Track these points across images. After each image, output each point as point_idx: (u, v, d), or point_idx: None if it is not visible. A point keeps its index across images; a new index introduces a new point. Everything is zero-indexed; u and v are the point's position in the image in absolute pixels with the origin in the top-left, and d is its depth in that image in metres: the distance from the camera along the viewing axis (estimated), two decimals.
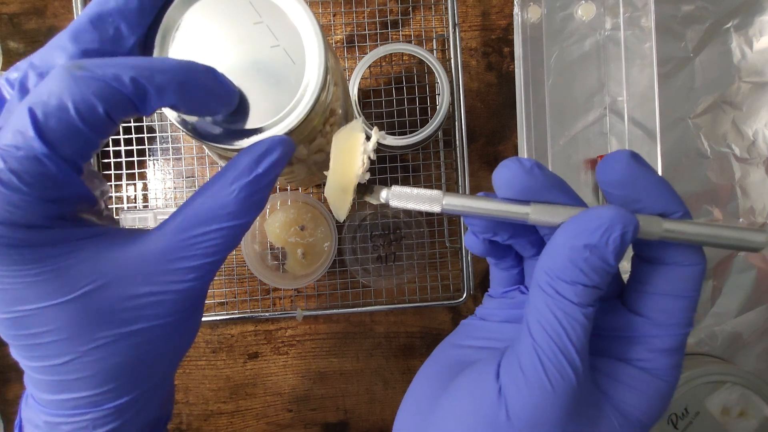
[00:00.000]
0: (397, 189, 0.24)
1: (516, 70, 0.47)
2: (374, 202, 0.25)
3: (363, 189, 0.25)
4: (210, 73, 0.23)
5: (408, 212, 0.46)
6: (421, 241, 0.46)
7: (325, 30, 0.46)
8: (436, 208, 0.23)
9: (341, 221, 0.28)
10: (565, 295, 0.20)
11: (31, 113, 0.19)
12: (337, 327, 0.47)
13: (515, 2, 0.47)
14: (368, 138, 0.25)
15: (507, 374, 0.21)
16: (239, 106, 0.25)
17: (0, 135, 0.20)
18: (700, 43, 0.47)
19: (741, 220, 0.47)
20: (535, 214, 0.22)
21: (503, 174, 0.22)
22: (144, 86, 0.21)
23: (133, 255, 0.22)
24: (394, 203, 0.24)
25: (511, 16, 0.47)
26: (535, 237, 0.25)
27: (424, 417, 0.24)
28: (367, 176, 0.25)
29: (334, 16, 0.46)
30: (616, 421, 0.21)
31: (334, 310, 0.46)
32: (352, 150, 0.25)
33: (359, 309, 0.46)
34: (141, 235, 0.23)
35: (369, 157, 0.25)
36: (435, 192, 0.23)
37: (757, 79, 0.47)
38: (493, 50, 0.47)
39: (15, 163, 0.19)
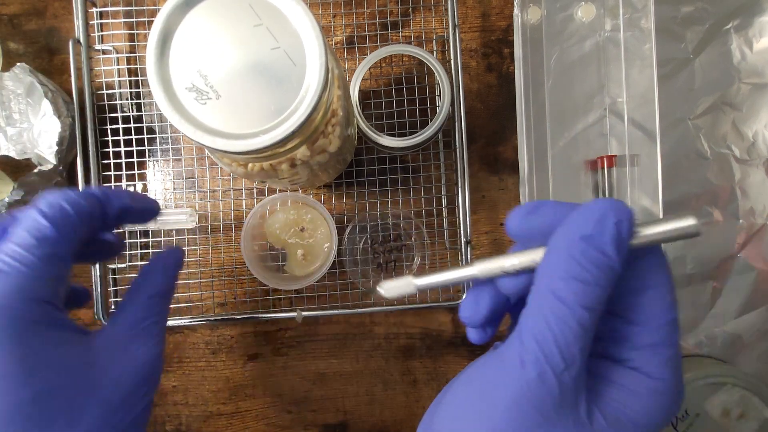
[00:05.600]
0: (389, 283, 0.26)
1: (516, 71, 0.47)
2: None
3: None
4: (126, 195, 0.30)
5: (408, 220, 0.46)
6: (421, 248, 0.46)
7: (325, 31, 0.46)
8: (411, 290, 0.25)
9: None
10: (562, 294, 0.20)
11: (40, 212, 0.26)
12: (337, 328, 0.47)
13: (515, 3, 0.47)
14: None
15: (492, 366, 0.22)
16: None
17: (14, 232, 0.26)
18: (700, 44, 0.47)
19: (741, 221, 0.47)
20: (479, 270, 0.23)
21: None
22: (108, 196, 0.29)
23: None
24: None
25: (511, 17, 0.47)
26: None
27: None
28: None
29: (334, 17, 0.46)
30: (605, 421, 0.21)
31: (334, 311, 0.46)
32: None
33: (359, 310, 0.45)
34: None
35: None
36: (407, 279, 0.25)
37: (757, 80, 0.47)
38: (493, 51, 0.47)
39: (35, 249, 0.25)
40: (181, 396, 0.47)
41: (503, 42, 0.47)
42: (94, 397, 0.26)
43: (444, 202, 0.47)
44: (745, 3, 0.47)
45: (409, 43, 0.47)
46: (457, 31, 0.43)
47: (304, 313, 0.45)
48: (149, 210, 0.32)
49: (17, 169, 0.46)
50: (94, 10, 0.45)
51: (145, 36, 0.46)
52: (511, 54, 0.47)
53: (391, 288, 0.26)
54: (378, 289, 0.26)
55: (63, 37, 0.47)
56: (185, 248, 0.46)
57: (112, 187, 0.46)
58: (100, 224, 0.29)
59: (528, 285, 0.22)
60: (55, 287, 0.26)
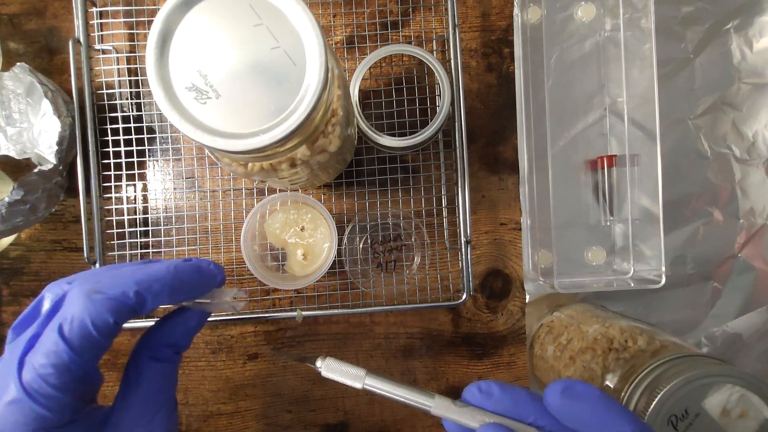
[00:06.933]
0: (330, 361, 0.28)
1: (516, 71, 0.47)
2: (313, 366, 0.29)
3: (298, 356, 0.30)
4: (196, 270, 0.29)
5: (408, 220, 0.46)
6: (421, 248, 0.46)
7: (325, 31, 0.46)
8: (357, 385, 0.27)
9: None
10: None
11: (60, 331, 0.24)
12: (337, 328, 0.47)
13: (515, 3, 0.47)
14: None
15: None
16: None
17: (34, 356, 0.25)
18: (700, 44, 0.47)
19: (741, 221, 0.47)
20: (437, 407, 0.26)
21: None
22: (144, 297, 0.26)
23: None
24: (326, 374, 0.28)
25: (511, 17, 0.47)
26: None
27: None
28: None
29: (334, 17, 0.46)
30: None
31: (334, 311, 0.46)
32: None
33: (359, 310, 0.46)
34: None
35: None
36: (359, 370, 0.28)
37: (757, 80, 0.47)
38: (493, 51, 0.47)
39: (52, 379, 0.24)
40: (181, 396, 0.47)
41: (503, 42, 0.47)
42: None
43: (444, 202, 0.47)
44: (745, 3, 0.47)
45: (409, 42, 0.47)
46: (457, 30, 0.43)
47: (304, 313, 0.45)
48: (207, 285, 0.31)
49: (17, 169, 0.46)
50: (94, 9, 0.45)
51: (145, 36, 0.46)
52: (511, 54, 0.47)
53: (334, 369, 0.28)
54: (318, 363, 0.28)
55: (63, 37, 0.47)
56: (185, 248, 0.46)
57: (112, 187, 0.46)
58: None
59: None
60: (70, 409, 0.25)
